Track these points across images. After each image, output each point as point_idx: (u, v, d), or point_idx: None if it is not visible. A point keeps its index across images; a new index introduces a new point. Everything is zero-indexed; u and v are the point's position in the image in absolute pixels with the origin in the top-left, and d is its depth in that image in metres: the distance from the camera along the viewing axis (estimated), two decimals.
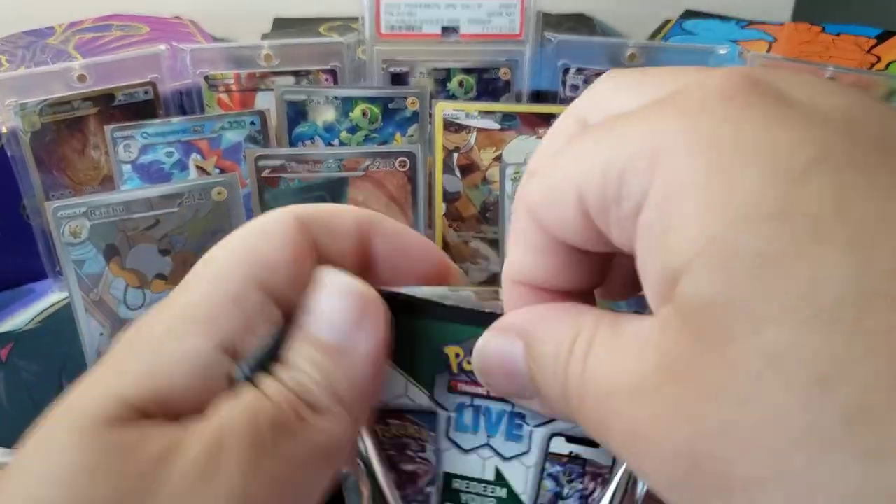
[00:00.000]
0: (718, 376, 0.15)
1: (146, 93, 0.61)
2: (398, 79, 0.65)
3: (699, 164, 0.15)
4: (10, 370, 0.57)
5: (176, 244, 0.49)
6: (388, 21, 0.67)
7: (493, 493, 0.22)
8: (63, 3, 0.83)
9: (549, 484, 0.22)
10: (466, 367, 0.21)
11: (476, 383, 0.21)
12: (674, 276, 0.15)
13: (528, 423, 0.21)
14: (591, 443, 0.21)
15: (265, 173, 0.55)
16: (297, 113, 0.61)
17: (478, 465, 0.22)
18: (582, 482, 0.21)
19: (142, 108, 0.61)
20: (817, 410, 0.13)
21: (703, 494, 0.15)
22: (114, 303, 0.48)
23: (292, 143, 0.62)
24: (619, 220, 0.17)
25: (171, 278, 0.49)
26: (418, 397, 0.22)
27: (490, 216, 0.60)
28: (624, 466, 0.22)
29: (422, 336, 0.21)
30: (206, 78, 0.62)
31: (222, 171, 0.59)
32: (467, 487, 0.22)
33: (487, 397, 0.21)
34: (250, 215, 0.56)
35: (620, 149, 0.17)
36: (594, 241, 0.18)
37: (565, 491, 0.22)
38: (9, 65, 0.69)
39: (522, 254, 0.20)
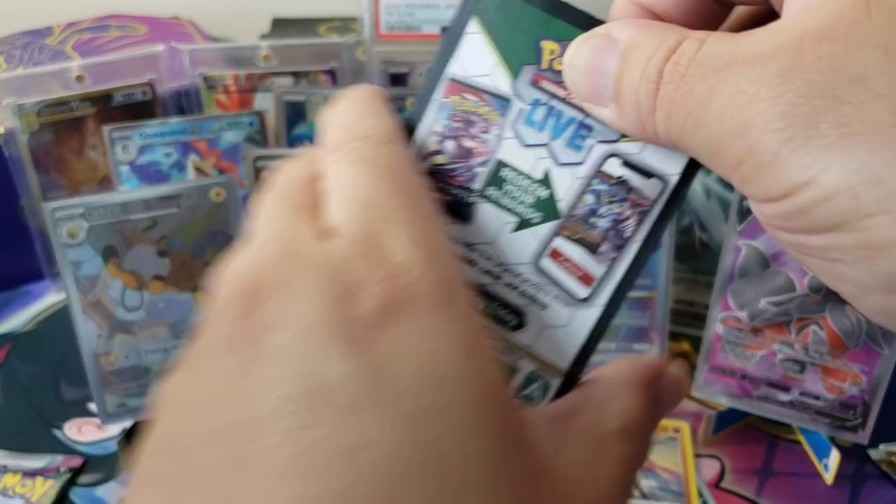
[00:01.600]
0: (873, 32, 0.15)
1: (144, 93, 0.60)
2: (397, 79, 0.64)
3: None
4: (7, 372, 0.57)
5: (174, 245, 0.48)
6: (387, 21, 0.66)
7: (534, 191, 0.22)
8: (61, 3, 0.82)
9: (589, 199, 0.22)
10: (557, 66, 0.22)
11: (560, 84, 0.22)
12: None
13: (592, 137, 0.22)
14: (644, 172, 0.22)
15: (264, 174, 0.55)
16: (295, 113, 0.61)
17: (530, 161, 0.22)
18: (620, 207, 0.22)
19: (140, 109, 0.60)
20: None
21: (819, 137, 0.16)
22: (111, 304, 0.48)
23: (291, 144, 0.61)
24: None
25: (169, 279, 0.49)
26: (500, 80, 0.22)
27: None
28: (663, 202, 0.22)
29: (525, 22, 0.22)
30: (205, 78, 0.62)
31: (221, 171, 0.59)
32: (514, 179, 0.22)
33: (564, 101, 0.22)
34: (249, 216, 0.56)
35: None
36: None
37: (601, 210, 0.22)
38: (7, 65, 0.69)
39: None
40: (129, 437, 0.50)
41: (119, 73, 0.60)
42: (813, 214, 0.16)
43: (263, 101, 0.62)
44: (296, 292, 0.16)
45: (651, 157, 0.22)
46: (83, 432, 0.52)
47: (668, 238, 0.51)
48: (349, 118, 0.21)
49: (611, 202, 0.22)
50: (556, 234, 0.22)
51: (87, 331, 0.48)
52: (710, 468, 0.50)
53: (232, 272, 0.18)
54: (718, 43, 0.18)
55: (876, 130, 0.15)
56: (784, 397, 0.49)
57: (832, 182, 0.15)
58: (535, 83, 0.22)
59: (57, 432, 0.52)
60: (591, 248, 0.22)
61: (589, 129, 0.22)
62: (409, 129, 0.23)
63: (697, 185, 0.57)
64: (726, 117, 0.17)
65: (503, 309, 0.23)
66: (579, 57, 0.21)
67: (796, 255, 0.18)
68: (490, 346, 0.17)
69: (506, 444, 0.16)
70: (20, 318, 0.62)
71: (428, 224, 0.18)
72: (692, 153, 0.19)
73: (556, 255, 0.22)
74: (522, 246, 0.22)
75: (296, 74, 0.62)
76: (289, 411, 0.15)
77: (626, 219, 0.22)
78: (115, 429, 0.50)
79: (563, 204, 0.22)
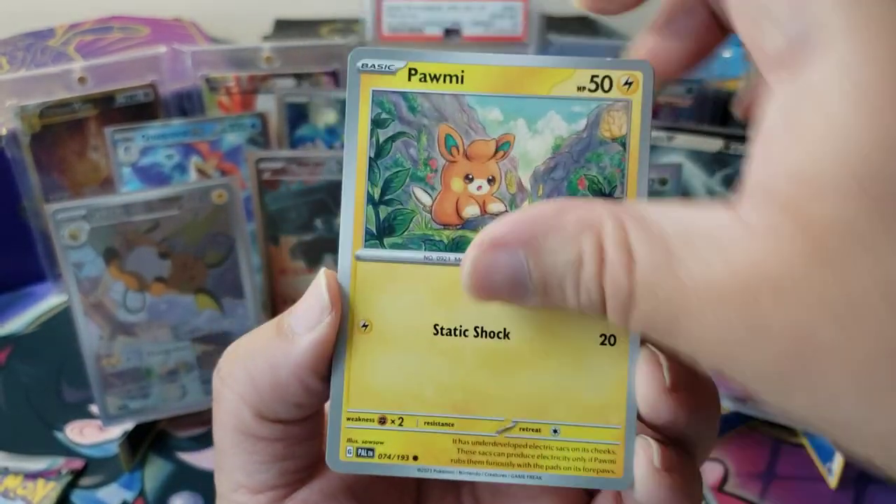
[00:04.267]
0: (828, 294, 0.15)
1: (146, 95, 0.60)
2: None
3: (861, 54, 0.15)
4: (8, 373, 0.57)
5: (175, 247, 0.48)
6: (389, 23, 0.66)
7: None
8: (64, 5, 0.83)
9: None
10: None
11: None
12: (799, 180, 0.15)
13: None
14: None
15: (266, 176, 0.55)
16: (298, 115, 0.61)
17: None
18: None
19: (142, 110, 0.60)
20: None
21: (800, 383, 0.16)
22: (113, 306, 0.48)
23: (293, 146, 0.61)
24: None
25: (171, 281, 0.49)
26: None
27: None
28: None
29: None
30: (207, 80, 0.62)
31: (222, 173, 0.59)
32: None
33: None
34: (250, 218, 0.56)
35: None
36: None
37: None
38: (9, 66, 0.69)
39: None
40: (130, 438, 0.50)
41: (121, 74, 0.60)
42: (796, 416, 0.17)
43: (265, 103, 0.62)
44: None
45: None
46: (84, 434, 0.52)
47: None
48: None
49: None
50: None
51: (89, 332, 0.48)
52: (714, 471, 0.50)
53: None
54: (649, 253, 0.17)
55: (841, 391, 0.15)
56: None
57: (809, 421, 0.16)
58: None
59: (58, 434, 0.52)
60: None
61: None
62: None
63: (700, 187, 0.57)
64: (703, 351, 0.17)
65: None
66: (488, 273, 0.19)
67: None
68: None
69: None
70: (22, 320, 0.62)
71: None
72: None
73: None
74: None
75: (298, 76, 0.62)
76: None
77: None
78: (117, 431, 0.50)
79: None
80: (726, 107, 0.63)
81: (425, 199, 0.22)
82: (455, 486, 0.26)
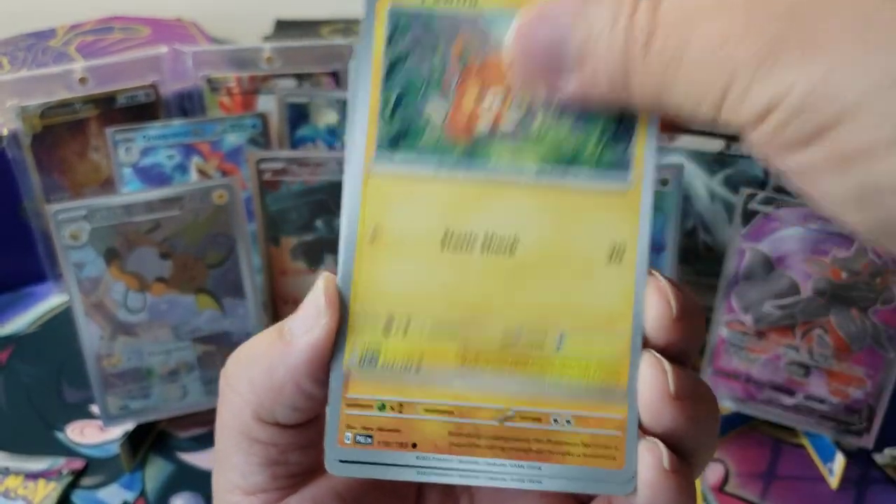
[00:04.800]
0: None
1: (147, 95, 0.60)
2: None
3: None
4: (9, 373, 0.57)
5: (176, 247, 0.48)
6: None
7: None
8: (65, 5, 0.83)
9: None
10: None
11: None
12: None
13: None
14: None
15: (266, 176, 0.55)
16: (298, 115, 0.61)
17: None
18: None
19: (143, 111, 0.60)
20: None
21: (784, 57, 0.16)
22: (114, 306, 0.48)
23: (294, 146, 0.61)
24: None
25: (172, 281, 0.49)
26: None
27: None
28: None
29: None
30: (208, 80, 0.62)
31: (223, 173, 0.59)
32: None
33: None
34: (251, 219, 0.56)
35: None
36: None
37: None
38: (10, 67, 0.69)
39: None
40: (131, 439, 0.50)
41: (122, 75, 0.60)
42: (790, 129, 0.17)
43: (266, 104, 0.62)
44: None
45: None
46: (85, 434, 0.52)
47: (672, 241, 0.51)
48: None
49: None
50: None
51: (90, 332, 0.48)
52: (715, 472, 0.50)
53: None
54: None
55: (835, 44, 0.16)
56: (789, 401, 0.49)
57: (800, 95, 0.16)
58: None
59: (59, 434, 0.52)
60: None
61: None
62: None
63: (701, 187, 0.57)
64: (701, 64, 0.18)
65: None
66: (529, 38, 0.20)
67: (794, 185, 0.19)
68: None
69: None
70: (23, 320, 0.62)
71: None
72: (671, 107, 0.19)
73: None
74: None
75: (299, 76, 0.62)
76: None
77: None
78: (118, 431, 0.50)
79: None
80: None
81: (438, 113, 0.22)
82: (453, 494, 0.26)
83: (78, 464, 0.50)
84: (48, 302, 0.63)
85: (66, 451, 0.51)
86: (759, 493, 0.48)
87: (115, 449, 0.50)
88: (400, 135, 0.22)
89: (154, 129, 0.57)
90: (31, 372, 0.57)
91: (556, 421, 0.22)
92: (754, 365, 0.49)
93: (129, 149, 0.57)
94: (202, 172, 0.59)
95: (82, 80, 0.59)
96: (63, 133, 0.59)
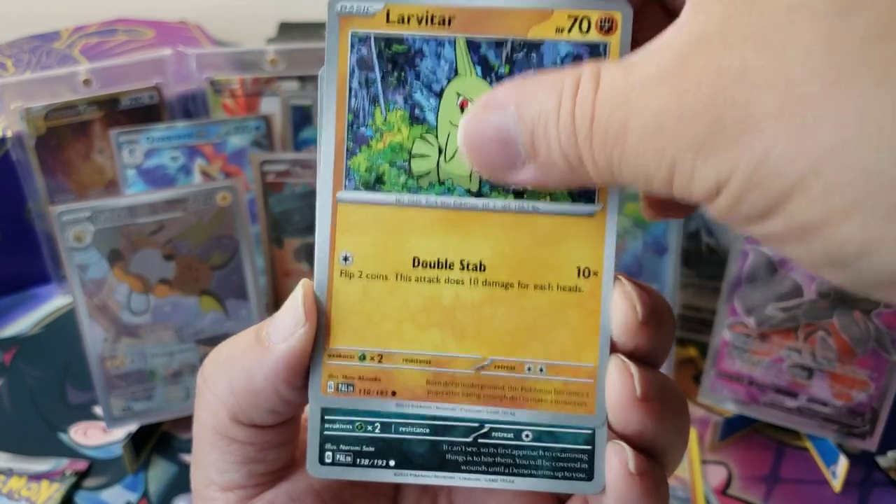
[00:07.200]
0: (748, 24, 0.16)
1: (151, 97, 0.61)
2: None
3: None
4: (13, 375, 0.57)
5: (180, 249, 0.48)
6: None
7: None
8: (69, 7, 0.83)
9: None
10: None
11: None
12: None
13: None
14: None
15: (270, 178, 0.55)
16: (302, 117, 0.61)
17: None
18: None
19: (147, 113, 0.61)
20: (838, 35, 0.15)
21: (722, 140, 0.16)
22: (117, 307, 0.48)
23: (297, 148, 0.61)
24: None
25: (175, 283, 0.49)
26: None
27: None
28: None
29: None
30: (212, 82, 0.62)
31: (227, 175, 0.59)
32: None
33: None
34: (255, 220, 0.56)
35: None
36: None
37: None
38: (15, 69, 0.69)
39: None
40: (134, 440, 0.50)
41: (126, 77, 0.60)
42: (744, 205, 0.17)
43: (270, 105, 0.62)
44: None
45: None
46: (89, 436, 0.52)
47: (675, 243, 0.51)
48: None
49: None
50: None
51: (93, 334, 0.48)
52: (717, 475, 0.50)
53: None
54: (613, 75, 0.18)
55: (770, 121, 0.16)
56: (791, 403, 0.49)
57: (745, 175, 0.16)
58: None
59: (62, 436, 0.52)
60: None
61: None
62: None
63: None
64: (644, 146, 0.18)
65: None
66: (478, 131, 0.20)
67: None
68: None
69: None
70: (26, 322, 0.62)
71: None
72: (627, 184, 0.19)
73: None
74: None
75: (302, 78, 0.62)
76: None
77: None
78: (121, 432, 0.50)
79: None
80: None
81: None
82: (431, 492, 0.26)
83: (81, 465, 0.50)
84: (52, 303, 0.64)
85: (70, 452, 0.51)
86: (762, 495, 0.48)
87: (119, 450, 0.50)
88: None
89: (158, 130, 0.58)
90: (35, 373, 0.57)
91: (529, 370, 0.22)
92: (757, 367, 0.49)
93: (132, 151, 0.57)
94: (206, 174, 0.59)
95: (86, 82, 0.59)
96: (67, 135, 0.59)
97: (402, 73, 0.22)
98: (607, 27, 0.21)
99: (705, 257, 0.58)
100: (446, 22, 0.21)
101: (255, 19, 0.86)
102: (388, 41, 0.22)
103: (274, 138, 0.59)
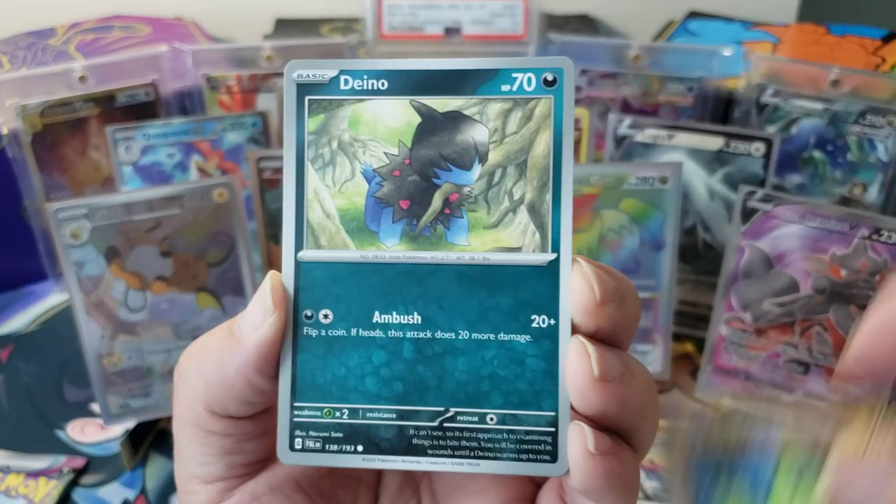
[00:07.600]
0: None
1: (147, 94, 0.60)
2: None
3: None
4: (10, 372, 0.57)
5: (177, 246, 0.48)
6: (390, 22, 0.66)
7: None
8: (65, 4, 0.83)
9: None
10: None
11: None
12: None
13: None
14: None
15: (267, 175, 0.55)
16: None
17: None
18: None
19: (143, 109, 0.61)
20: None
21: None
22: (114, 305, 0.48)
23: None
24: None
25: (172, 280, 0.49)
26: None
27: None
28: None
29: None
30: (208, 79, 0.62)
31: (223, 172, 0.59)
32: None
33: None
34: (251, 217, 0.56)
35: None
36: None
37: None
38: (10, 66, 0.69)
39: None
40: (131, 437, 0.50)
41: (122, 73, 0.60)
42: None
43: (266, 102, 0.62)
44: None
45: None
46: (86, 433, 0.52)
47: (671, 239, 0.51)
48: None
49: None
50: None
51: (90, 331, 0.48)
52: None
53: None
54: None
55: None
56: (788, 399, 0.49)
57: None
58: None
59: (60, 433, 0.52)
60: None
61: None
62: None
63: (701, 185, 0.57)
64: None
65: None
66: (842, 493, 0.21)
67: None
68: None
69: None
70: (23, 319, 0.62)
71: None
72: None
73: None
74: None
75: None
76: None
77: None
78: (118, 429, 0.50)
79: None
80: (727, 105, 0.63)
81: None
82: (413, 481, 0.26)
83: (79, 462, 0.50)
84: (49, 301, 0.63)
85: (67, 449, 0.51)
86: None
87: (116, 447, 0.50)
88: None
89: (154, 127, 0.57)
90: (32, 371, 0.57)
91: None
92: (754, 362, 0.49)
93: (129, 147, 0.57)
94: (202, 171, 0.59)
95: (82, 79, 0.59)
96: (63, 132, 0.59)
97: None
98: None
99: (702, 253, 0.58)
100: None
101: (252, 15, 0.86)
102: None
103: (270, 135, 0.59)
